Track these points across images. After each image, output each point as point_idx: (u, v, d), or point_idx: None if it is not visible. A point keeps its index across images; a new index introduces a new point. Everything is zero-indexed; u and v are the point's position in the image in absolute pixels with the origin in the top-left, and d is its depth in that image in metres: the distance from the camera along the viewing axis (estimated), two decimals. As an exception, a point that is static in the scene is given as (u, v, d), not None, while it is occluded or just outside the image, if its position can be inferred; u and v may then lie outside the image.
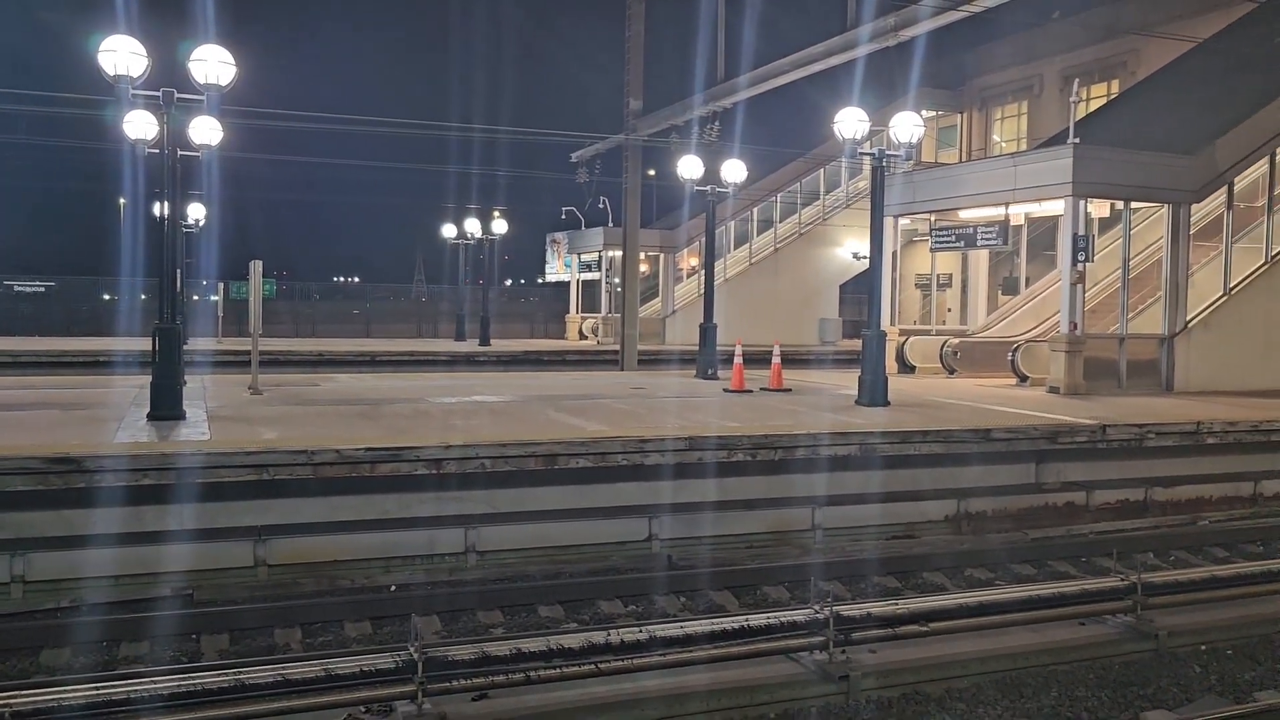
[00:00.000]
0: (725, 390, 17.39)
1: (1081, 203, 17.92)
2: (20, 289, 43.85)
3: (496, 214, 34.07)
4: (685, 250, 37.71)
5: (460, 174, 32.76)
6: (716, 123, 24.18)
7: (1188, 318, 18.70)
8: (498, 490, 10.65)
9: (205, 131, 16.40)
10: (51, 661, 7.63)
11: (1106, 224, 21.81)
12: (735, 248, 38.07)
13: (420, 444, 10.54)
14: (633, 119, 25.68)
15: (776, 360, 18.59)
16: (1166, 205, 18.73)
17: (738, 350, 18.21)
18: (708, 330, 20.47)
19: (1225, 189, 19.07)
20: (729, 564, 10.27)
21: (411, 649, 6.04)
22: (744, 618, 7.11)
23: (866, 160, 16.96)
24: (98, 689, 5.75)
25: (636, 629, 6.71)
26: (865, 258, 27.06)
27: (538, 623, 8.62)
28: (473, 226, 33.73)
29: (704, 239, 23.27)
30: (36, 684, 6.40)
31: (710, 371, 20.09)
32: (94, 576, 9.09)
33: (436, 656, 6.09)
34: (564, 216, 39.83)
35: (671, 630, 6.78)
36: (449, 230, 33.92)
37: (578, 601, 9.12)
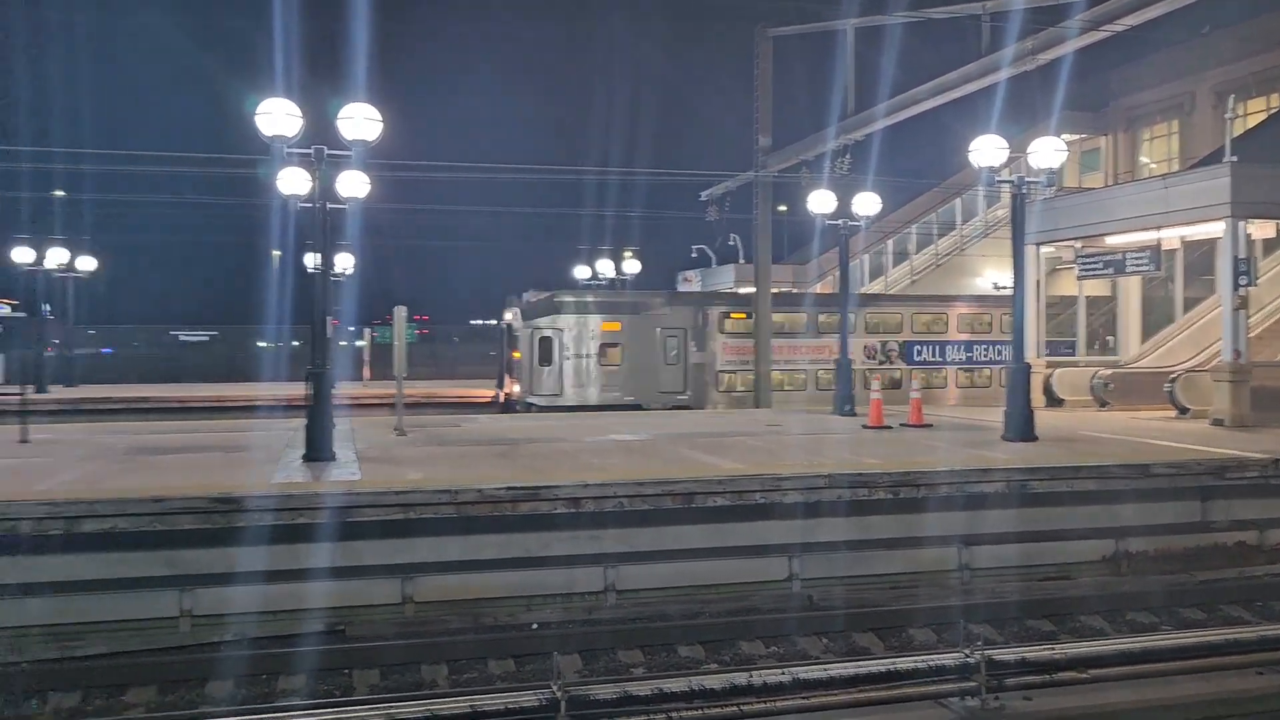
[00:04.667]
0: (863, 427, 17.04)
1: (1241, 224, 16.92)
2: (186, 339, 46.82)
3: (629, 254, 34.55)
4: (818, 285, 37.37)
5: (592, 216, 33.45)
6: (848, 155, 23.95)
7: (1368, 343, 17.35)
8: (635, 529, 10.68)
9: (353, 185, 17.21)
10: (216, 693, 8.01)
11: (1271, 245, 20.51)
12: (870, 280, 37.44)
13: (558, 482, 10.69)
14: (762, 155, 25.70)
15: (916, 395, 18.12)
16: (1338, 223, 17.50)
17: (875, 385, 17.84)
18: (843, 366, 20.15)
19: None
20: (871, 605, 9.99)
21: (554, 687, 6.09)
22: (890, 661, 6.90)
23: (1005, 188, 16.47)
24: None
25: (779, 670, 6.60)
26: (1006, 288, 26.25)
27: (678, 663, 8.56)
28: (605, 267, 34.28)
29: (837, 273, 23.00)
30: (203, 714, 6.75)
31: (847, 408, 19.73)
32: (254, 611, 9.53)
33: (579, 695, 6.11)
34: (694, 255, 40.02)
35: (814, 673, 6.63)
36: (582, 271, 34.55)
37: (718, 641, 9.03)
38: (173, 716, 7.02)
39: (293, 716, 6.07)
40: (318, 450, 12.52)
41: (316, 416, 12.70)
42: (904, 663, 6.77)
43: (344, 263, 30.36)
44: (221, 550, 9.81)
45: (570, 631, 9.14)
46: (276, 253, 31.63)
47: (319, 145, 13.00)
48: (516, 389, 26.49)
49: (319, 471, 11.67)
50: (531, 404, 24.94)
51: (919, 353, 27.74)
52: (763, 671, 6.57)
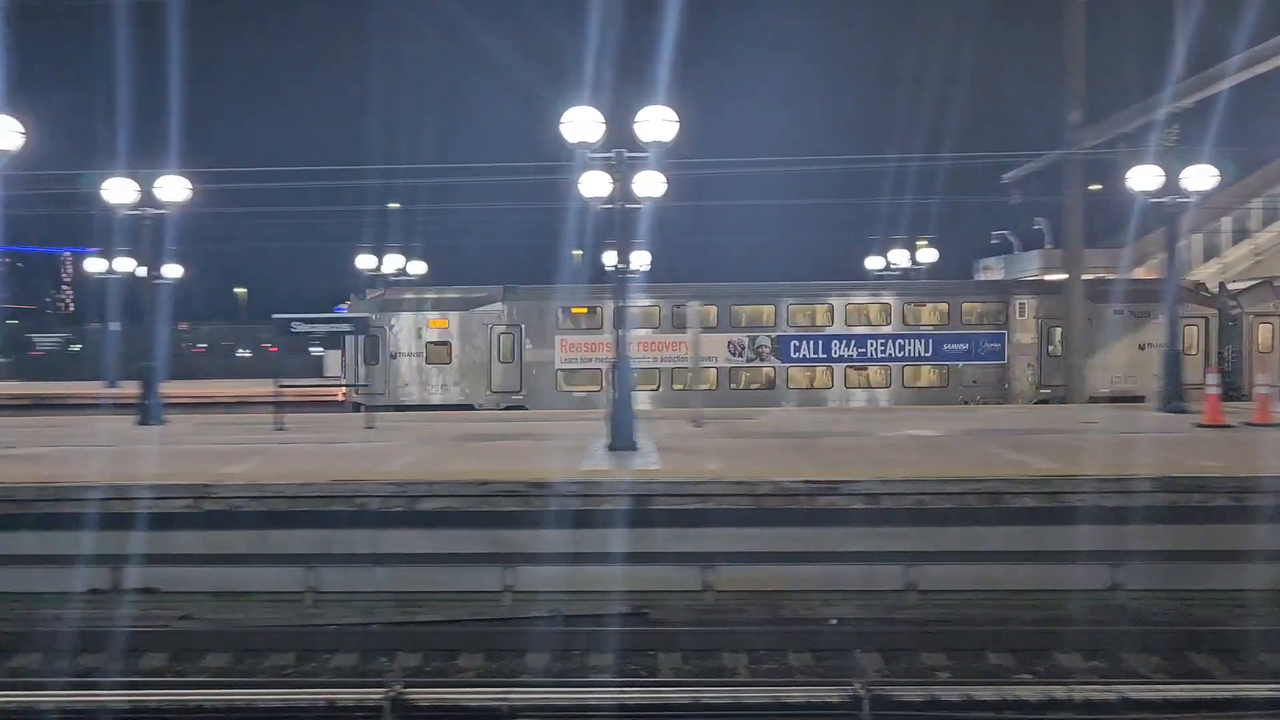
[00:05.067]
0: (1196, 425, 15.41)
1: None
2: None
3: (923, 242, 33.30)
4: (1140, 269, 34.14)
5: (886, 204, 32.54)
6: (1176, 125, 21.72)
7: None
8: (938, 528, 10.30)
9: (650, 185, 17.82)
10: (534, 664, 8.60)
11: None
12: (1203, 262, 33.72)
13: (857, 477, 10.52)
14: (1073, 131, 23.89)
15: (1263, 390, 16.14)
16: None
17: (1211, 379, 16.07)
18: (1171, 357, 18.32)
19: None
20: (1211, 623, 9.02)
21: (857, 685, 6.01)
22: (1235, 686, 6.20)
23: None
24: (573, 693, 6.38)
25: (1103, 687, 6.12)
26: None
27: (985, 670, 8.16)
28: (898, 257, 33.27)
29: (1162, 256, 20.92)
30: (523, 683, 7.28)
31: (1175, 404, 17.92)
32: (564, 590, 10.15)
33: (882, 695, 6.00)
34: (995, 241, 37.86)
35: (1145, 693, 6.10)
36: (874, 262, 33.71)
37: (1029, 651, 8.51)
38: (499, 682, 7.60)
39: (607, 692, 6.41)
40: (622, 440, 13.09)
41: (620, 408, 13.29)
42: (1256, 690, 6.07)
43: (640, 260, 31.47)
44: (536, 531, 10.53)
45: (870, 629, 8.96)
46: (577, 252, 33.43)
47: (619, 149, 13.55)
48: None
49: (622, 460, 12.21)
50: (359, 404, 22.82)
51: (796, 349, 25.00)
52: (1085, 687, 6.12)
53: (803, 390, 24.83)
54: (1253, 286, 26.28)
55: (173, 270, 27.52)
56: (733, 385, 24.73)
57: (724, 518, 10.38)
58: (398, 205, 32.54)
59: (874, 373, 25.14)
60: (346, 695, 6.57)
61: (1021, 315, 24.84)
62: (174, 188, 16.83)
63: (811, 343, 24.95)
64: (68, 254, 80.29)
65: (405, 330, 24.80)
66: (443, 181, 29.54)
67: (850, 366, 25.00)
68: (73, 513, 10.32)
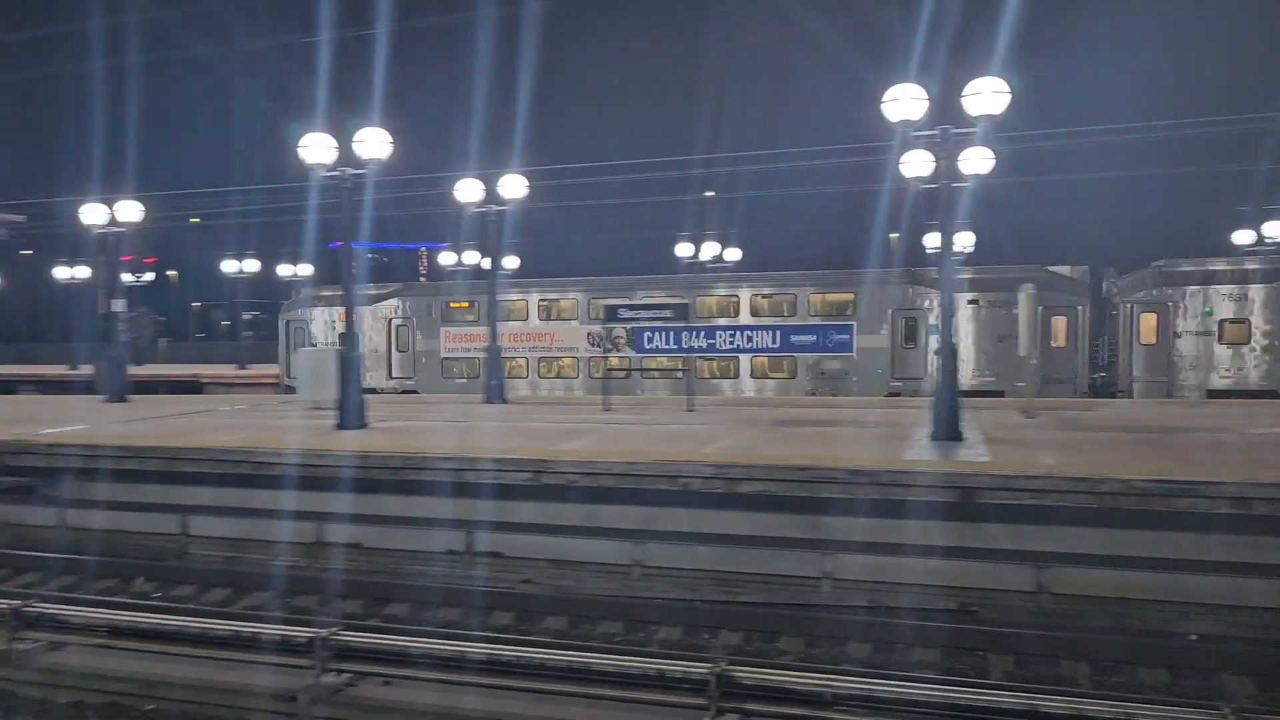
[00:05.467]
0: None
1: None
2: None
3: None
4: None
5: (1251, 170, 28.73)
6: None
7: None
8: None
9: (977, 162, 16.90)
10: (855, 654, 8.48)
11: None
12: None
13: (1219, 479, 9.39)
14: None
15: None
16: None
17: None
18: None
19: None
20: None
21: (1225, 710, 5.38)
22: None
23: None
24: (898, 686, 6.21)
25: None
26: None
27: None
28: (1275, 230, 29.21)
29: None
30: (846, 671, 7.18)
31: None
32: (883, 580, 9.92)
33: (1261, 725, 5.32)
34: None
35: None
36: (1244, 236, 29.77)
37: None
38: (821, 668, 7.57)
39: (935, 689, 6.18)
40: (945, 429, 12.56)
41: (944, 396, 12.76)
42: None
43: (964, 241, 30.01)
44: (856, 519, 10.35)
45: (1239, 649, 8.00)
46: (894, 235, 32.55)
47: (945, 125, 12.95)
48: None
49: (946, 451, 11.70)
50: (290, 387, 25.28)
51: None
52: None
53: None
54: (1137, 271, 24.10)
55: (510, 261, 29.81)
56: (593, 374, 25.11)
57: (1061, 515, 9.66)
58: (712, 194, 33.22)
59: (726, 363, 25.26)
60: (674, 667, 6.81)
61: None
62: (514, 186, 18.22)
63: (664, 335, 24.77)
64: (423, 248, 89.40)
65: (321, 323, 28.09)
66: (760, 168, 29.81)
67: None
68: (431, 480, 11.50)
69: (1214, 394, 21.55)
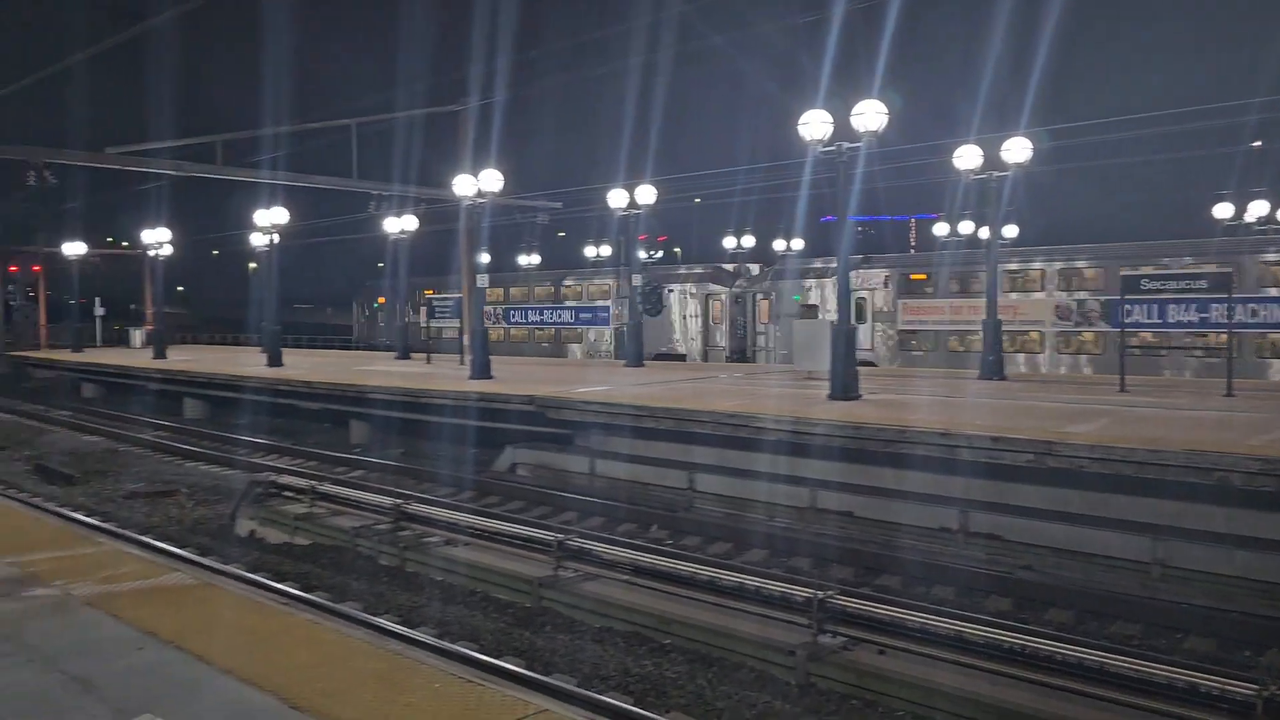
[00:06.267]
0: None
1: None
2: None
3: None
4: None
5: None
6: None
7: None
8: None
9: None
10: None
11: None
12: None
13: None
14: None
15: None
16: None
17: None
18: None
19: None
20: None
21: None
22: None
23: None
24: None
25: None
26: None
27: None
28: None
29: None
30: None
31: None
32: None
33: None
34: None
35: None
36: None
37: None
38: None
39: None
40: None
41: None
42: None
43: None
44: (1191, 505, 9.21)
45: None
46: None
47: None
48: None
49: None
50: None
51: None
52: None
53: None
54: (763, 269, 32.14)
55: (1009, 230, 28.18)
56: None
57: None
58: (1259, 144, 28.52)
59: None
60: (1210, 682, 5.99)
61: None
62: (1018, 149, 17.13)
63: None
64: (913, 220, 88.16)
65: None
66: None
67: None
68: (924, 455, 11.27)
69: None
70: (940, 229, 30.23)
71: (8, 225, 43.29)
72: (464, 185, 20.11)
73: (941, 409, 13.76)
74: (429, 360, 25.28)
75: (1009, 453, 10.65)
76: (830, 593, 7.69)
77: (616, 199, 22.59)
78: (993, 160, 17.49)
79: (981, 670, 6.85)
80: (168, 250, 32.75)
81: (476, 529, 10.79)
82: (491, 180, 19.90)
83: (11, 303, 42.48)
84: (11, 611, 5.06)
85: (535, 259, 39.42)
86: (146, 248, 33.29)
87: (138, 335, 41.70)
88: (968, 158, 17.51)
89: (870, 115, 14.26)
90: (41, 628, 4.82)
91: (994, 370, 17.87)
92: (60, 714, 3.84)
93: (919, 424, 11.67)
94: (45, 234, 41.37)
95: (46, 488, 16.25)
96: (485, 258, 21.97)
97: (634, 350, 22.70)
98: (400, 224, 27.17)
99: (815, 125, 14.42)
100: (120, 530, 12.36)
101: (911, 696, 6.86)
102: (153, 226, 32.12)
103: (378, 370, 22.77)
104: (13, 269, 43.38)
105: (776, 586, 8.09)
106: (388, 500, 11.83)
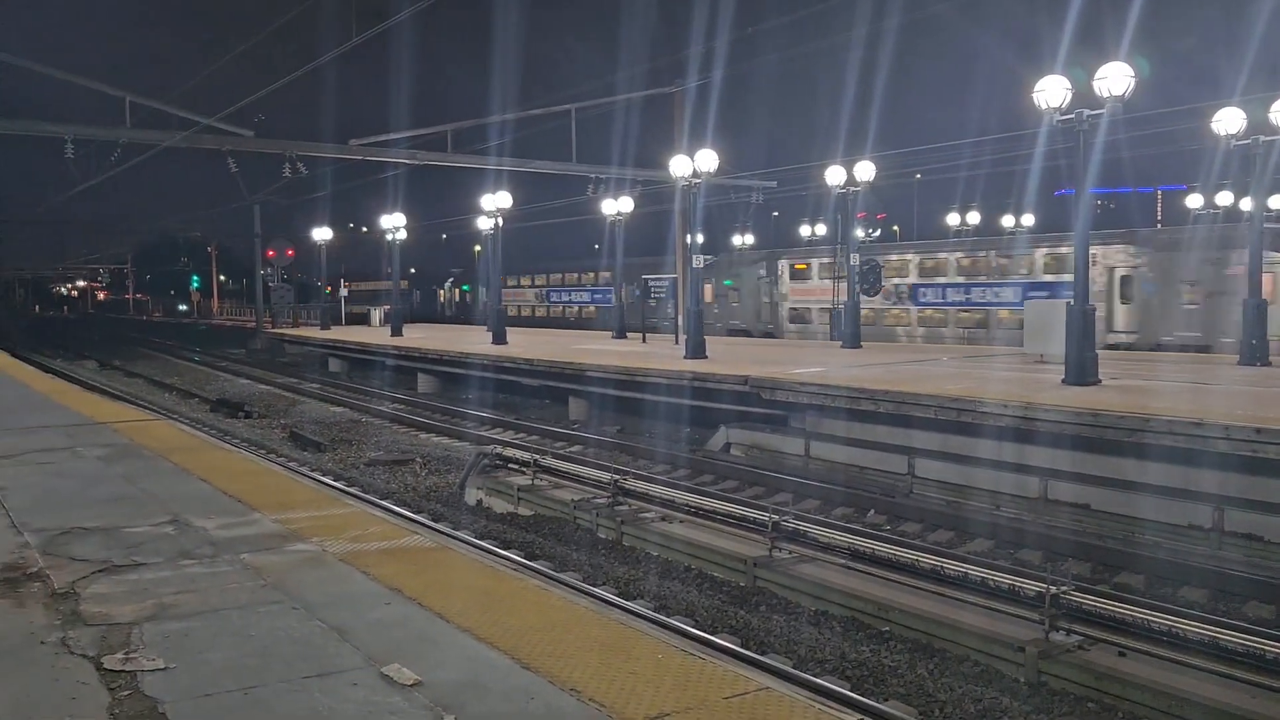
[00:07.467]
0: None
1: None
2: None
3: None
4: None
5: None
6: None
7: None
8: None
9: None
10: None
11: None
12: None
13: None
14: None
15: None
16: None
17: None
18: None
19: None
20: None
21: None
22: None
23: None
24: None
25: None
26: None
27: None
28: None
29: None
30: None
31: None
32: None
33: None
34: None
35: None
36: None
37: None
38: None
39: None
40: None
41: None
42: None
43: None
44: None
45: None
46: None
47: None
48: None
49: None
50: None
51: None
52: None
53: None
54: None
55: (1277, 201, 25.54)
56: None
57: None
58: None
59: None
60: None
61: None
62: (1289, 110, 15.42)
63: None
64: (1158, 191, 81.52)
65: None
66: None
67: None
68: (1171, 446, 10.39)
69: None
70: (1193, 200, 27.80)
71: (267, 214, 47.50)
72: (680, 165, 20.28)
73: (1192, 396, 12.66)
74: (644, 340, 25.78)
75: (1274, 445, 9.65)
76: (1064, 588, 7.24)
77: (834, 176, 22.13)
78: (1259, 124, 15.84)
79: (1240, 682, 6.27)
80: (403, 235, 34.93)
81: (692, 506, 10.89)
82: (707, 160, 19.95)
83: (270, 284, 46.54)
84: (279, 564, 5.55)
85: (749, 239, 39.29)
86: (384, 232, 35.64)
87: (376, 314, 44.83)
88: (1228, 121, 15.94)
89: (1116, 78, 13.22)
90: (302, 579, 5.25)
91: (1256, 356, 16.26)
92: (323, 659, 4.17)
93: (1166, 412, 10.77)
94: (298, 221, 45.23)
95: (300, 454, 17.76)
96: (700, 238, 22.10)
97: (851, 331, 22.20)
98: (617, 206, 27.75)
99: (1053, 91, 13.53)
100: (364, 495, 13.34)
101: (1157, 704, 6.36)
102: (390, 212, 34.37)
103: (595, 349, 23.41)
104: (269, 253, 47.49)
105: (1004, 578, 7.70)
106: (606, 475, 12.14)
